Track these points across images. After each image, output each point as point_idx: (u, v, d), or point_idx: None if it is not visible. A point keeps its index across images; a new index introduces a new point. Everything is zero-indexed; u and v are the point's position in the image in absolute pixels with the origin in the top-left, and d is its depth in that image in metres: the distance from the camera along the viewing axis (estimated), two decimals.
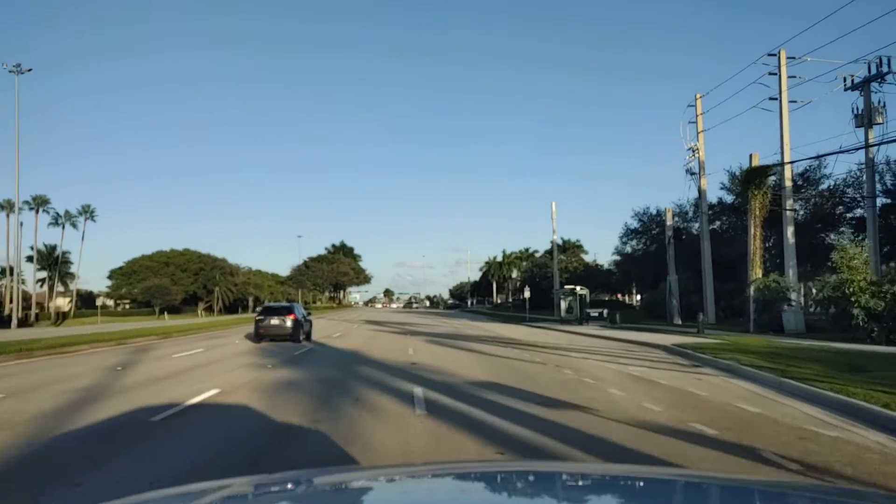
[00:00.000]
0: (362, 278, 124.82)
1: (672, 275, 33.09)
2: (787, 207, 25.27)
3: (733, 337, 21.88)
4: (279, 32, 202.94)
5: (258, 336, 24.14)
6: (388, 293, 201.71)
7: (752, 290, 24.70)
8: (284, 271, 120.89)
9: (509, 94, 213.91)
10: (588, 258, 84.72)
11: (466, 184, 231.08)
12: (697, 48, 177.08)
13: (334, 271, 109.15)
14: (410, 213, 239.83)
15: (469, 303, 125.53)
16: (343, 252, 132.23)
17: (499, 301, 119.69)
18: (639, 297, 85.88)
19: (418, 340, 24.72)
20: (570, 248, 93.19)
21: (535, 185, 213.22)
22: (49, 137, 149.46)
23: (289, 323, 23.91)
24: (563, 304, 39.32)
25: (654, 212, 44.33)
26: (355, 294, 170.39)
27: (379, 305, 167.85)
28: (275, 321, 24.05)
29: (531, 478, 2.07)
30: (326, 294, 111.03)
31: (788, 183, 25.71)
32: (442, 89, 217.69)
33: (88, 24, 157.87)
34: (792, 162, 24.95)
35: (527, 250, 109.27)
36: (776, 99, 25.92)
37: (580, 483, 2.00)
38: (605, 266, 70.47)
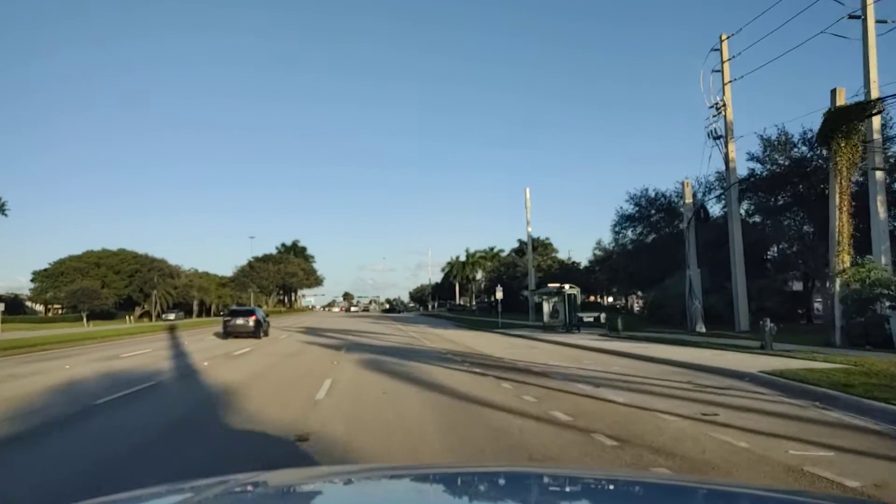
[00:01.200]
0: (313, 280, 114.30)
1: (693, 268, 25.54)
2: (878, 166, 17.87)
3: (842, 357, 14.10)
4: (229, 16, 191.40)
5: (226, 334, 28.36)
6: (347, 296, 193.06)
7: (837, 285, 17.12)
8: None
9: (479, 89, 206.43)
10: (560, 257, 77.23)
11: (428, 185, 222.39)
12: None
13: (281, 272, 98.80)
14: (371, 216, 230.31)
15: (430, 306, 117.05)
16: (294, 252, 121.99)
17: (461, 303, 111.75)
18: (610, 298, 79.18)
19: (351, 362, 16.49)
20: (539, 247, 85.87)
21: (499, 182, 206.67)
22: None
23: (251, 322, 28.31)
24: (546, 307, 31.49)
25: (653, 194, 36.76)
26: (310, 297, 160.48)
27: (336, 309, 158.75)
28: (240, 321, 28.39)
29: (518, 481, 2.01)
30: (273, 297, 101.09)
31: (877, 134, 18.36)
32: (402, 84, 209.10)
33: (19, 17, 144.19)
34: (890, 97, 17.43)
35: (491, 249, 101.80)
36: (858, 17, 18.53)
37: (560, 486, 1.93)
38: (583, 264, 62.90)
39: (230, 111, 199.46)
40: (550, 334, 27.90)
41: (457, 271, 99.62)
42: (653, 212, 36.29)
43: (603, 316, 28.36)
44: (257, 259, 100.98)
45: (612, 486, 1.90)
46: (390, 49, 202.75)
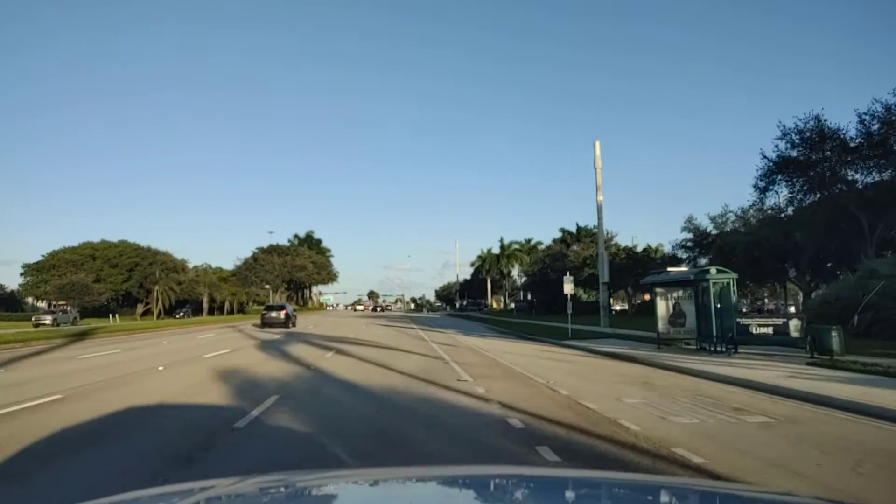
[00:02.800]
0: (325, 275, 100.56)
1: None
2: None
3: None
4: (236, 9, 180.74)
5: (263, 324, 36.58)
6: (372, 295, 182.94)
7: None
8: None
9: (508, 87, 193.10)
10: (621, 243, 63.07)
11: (455, 183, 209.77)
12: None
13: (288, 264, 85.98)
14: (398, 215, 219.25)
15: (458, 305, 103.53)
16: (309, 244, 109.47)
17: (494, 304, 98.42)
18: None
19: None
20: (586, 236, 72.15)
21: (530, 179, 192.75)
22: None
23: (282, 315, 37.09)
24: (663, 307, 18.32)
25: (826, 127, 22.33)
26: (328, 295, 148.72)
27: (360, 308, 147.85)
28: (273, 314, 37.25)
29: (522, 482, 2.00)
30: (281, 294, 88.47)
31: None
32: (433, 83, 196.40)
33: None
34: None
35: (528, 241, 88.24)
36: None
37: (562, 488, 1.92)
38: (660, 252, 48.95)
39: (250, 105, 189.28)
40: (692, 357, 14.83)
41: (490, 265, 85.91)
42: (823, 157, 22.32)
43: (795, 324, 15.00)
44: (263, 250, 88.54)
45: (612, 488, 1.88)
46: (415, 47, 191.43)
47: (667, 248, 50.11)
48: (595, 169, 33.20)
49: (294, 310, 42.95)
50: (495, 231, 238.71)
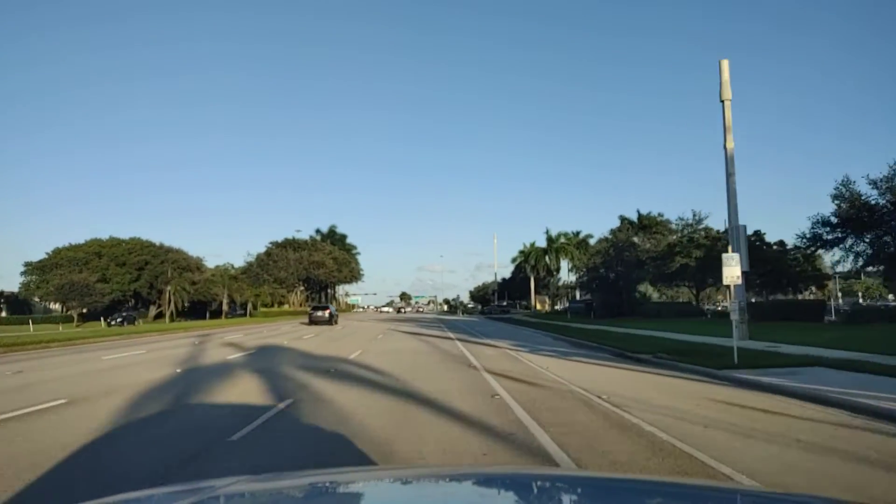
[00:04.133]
0: (347, 272, 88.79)
1: None
2: None
3: None
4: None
5: (311, 322, 42.42)
6: (404, 296, 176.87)
7: None
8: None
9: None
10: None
11: (490, 183, 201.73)
12: None
13: (304, 260, 75.02)
14: (430, 217, 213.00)
15: (496, 305, 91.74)
16: (332, 240, 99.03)
17: (538, 305, 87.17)
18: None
19: None
20: (652, 224, 60.44)
21: (569, 178, 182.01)
22: None
23: (327, 315, 42.83)
24: None
25: None
26: (356, 296, 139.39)
27: (387, 309, 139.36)
28: (319, 313, 43.19)
29: (529, 483, 1.91)
30: (299, 294, 77.87)
31: None
32: (468, 94, 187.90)
33: None
34: None
35: (577, 234, 76.72)
36: None
37: (563, 488, 1.85)
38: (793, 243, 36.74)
39: (291, 115, 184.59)
40: None
41: (537, 260, 74.24)
42: None
43: None
44: (277, 245, 78.27)
45: (612, 488, 1.83)
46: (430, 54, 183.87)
47: (771, 237, 38.59)
48: (721, 101, 22.15)
49: (336, 309, 52.41)
50: (533, 228, 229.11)
